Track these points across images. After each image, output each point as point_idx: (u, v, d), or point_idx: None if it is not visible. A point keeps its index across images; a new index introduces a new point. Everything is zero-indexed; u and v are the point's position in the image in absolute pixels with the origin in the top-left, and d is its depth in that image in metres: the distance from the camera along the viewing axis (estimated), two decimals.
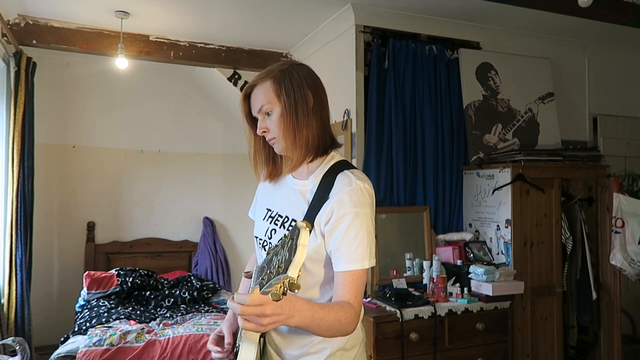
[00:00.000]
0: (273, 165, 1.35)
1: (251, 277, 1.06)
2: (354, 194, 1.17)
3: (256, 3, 2.96)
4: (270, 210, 1.34)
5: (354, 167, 1.27)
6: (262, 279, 0.90)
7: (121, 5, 3.04)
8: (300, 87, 1.22)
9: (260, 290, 0.91)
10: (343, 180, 1.20)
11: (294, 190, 1.29)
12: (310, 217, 1.21)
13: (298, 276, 0.83)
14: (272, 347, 1.26)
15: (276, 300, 0.87)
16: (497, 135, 3.22)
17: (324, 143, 1.27)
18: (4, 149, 3.22)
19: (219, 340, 1.32)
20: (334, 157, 1.29)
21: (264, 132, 1.25)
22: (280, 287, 0.85)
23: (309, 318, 1.04)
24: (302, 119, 1.21)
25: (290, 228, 1.25)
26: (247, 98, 1.29)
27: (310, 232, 0.90)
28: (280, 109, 1.22)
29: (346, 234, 1.16)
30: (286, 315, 0.98)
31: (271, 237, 1.29)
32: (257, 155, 1.34)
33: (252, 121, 1.30)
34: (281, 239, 0.89)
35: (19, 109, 3.16)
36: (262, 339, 1.22)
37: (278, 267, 0.84)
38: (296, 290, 0.83)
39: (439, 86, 3.13)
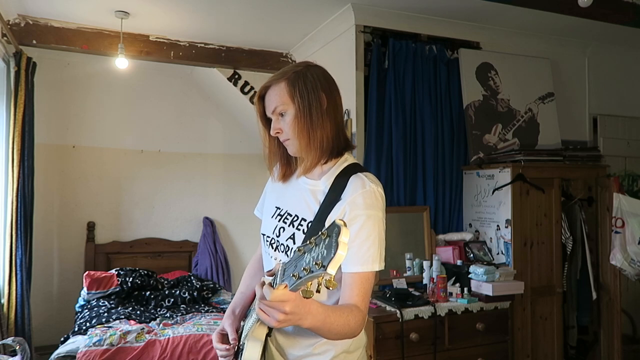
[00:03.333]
0: (287, 166, 1.35)
1: (272, 275, 1.05)
2: (367, 197, 1.18)
3: (256, 3, 2.96)
4: (280, 209, 1.34)
5: (366, 170, 1.27)
6: (294, 275, 0.88)
7: (121, 5, 3.03)
8: (314, 89, 1.23)
9: (290, 287, 0.91)
10: (356, 182, 1.21)
11: (306, 189, 1.29)
12: (321, 217, 1.21)
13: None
14: (275, 346, 1.25)
15: (306, 298, 0.87)
16: (497, 135, 3.22)
17: (338, 145, 1.27)
18: (4, 149, 3.22)
19: (223, 338, 1.32)
20: (347, 159, 1.30)
21: (277, 132, 1.26)
22: (312, 284, 0.84)
23: (321, 322, 1.04)
24: (317, 120, 1.22)
25: (299, 227, 1.25)
26: (261, 99, 1.29)
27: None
28: (294, 111, 1.22)
29: (358, 236, 1.16)
30: (300, 316, 0.99)
31: (279, 235, 1.29)
32: (272, 155, 1.34)
33: (267, 122, 1.30)
34: (317, 236, 0.88)
35: (19, 109, 3.16)
36: (267, 337, 1.23)
37: (315, 264, 0.83)
38: (331, 288, 0.83)
39: (439, 86, 3.13)
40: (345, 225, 0.83)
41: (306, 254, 0.89)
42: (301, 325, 1.02)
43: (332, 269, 0.80)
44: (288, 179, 1.36)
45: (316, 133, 1.22)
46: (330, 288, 0.83)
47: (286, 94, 1.23)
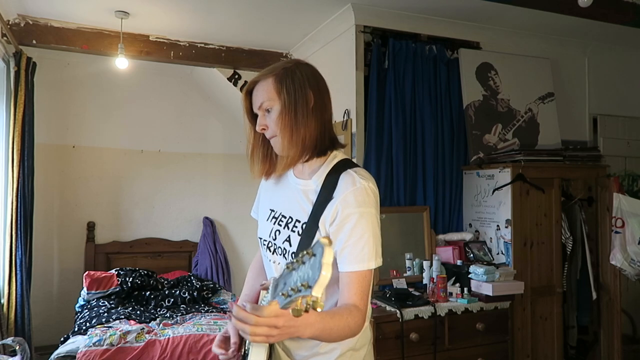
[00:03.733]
0: (270, 163, 1.33)
1: (267, 289, 1.06)
2: (358, 194, 1.17)
3: (256, 3, 2.96)
4: (274, 211, 1.33)
5: (356, 166, 1.26)
6: (283, 294, 0.89)
7: (121, 5, 3.03)
8: (302, 86, 1.21)
9: (280, 305, 0.91)
10: (347, 179, 1.19)
11: (297, 190, 1.28)
12: (314, 217, 1.20)
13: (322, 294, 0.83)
14: (282, 348, 1.25)
15: (297, 316, 0.87)
16: (497, 135, 3.22)
17: (322, 144, 1.25)
18: (4, 149, 3.22)
19: (225, 341, 1.30)
20: (337, 156, 1.28)
21: (263, 129, 1.25)
22: (301, 303, 0.85)
23: (320, 329, 1.04)
24: (301, 118, 1.20)
25: (294, 228, 1.25)
26: (249, 94, 1.28)
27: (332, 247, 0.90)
28: (280, 107, 1.21)
29: (352, 234, 1.15)
30: (297, 328, 0.99)
31: (275, 238, 1.29)
32: (255, 151, 1.33)
33: (253, 118, 1.29)
34: (302, 253, 0.87)
35: (19, 109, 3.16)
36: None
37: (301, 284, 0.83)
38: (318, 309, 0.83)
39: (439, 86, 3.13)
40: (329, 244, 0.82)
41: (294, 272, 0.89)
42: (301, 336, 1.02)
43: (316, 292, 0.80)
44: (271, 176, 1.35)
45: (299, 131, 1.20)
46: (318, 309, 0.83)
47: (273, 89, 1.21)
